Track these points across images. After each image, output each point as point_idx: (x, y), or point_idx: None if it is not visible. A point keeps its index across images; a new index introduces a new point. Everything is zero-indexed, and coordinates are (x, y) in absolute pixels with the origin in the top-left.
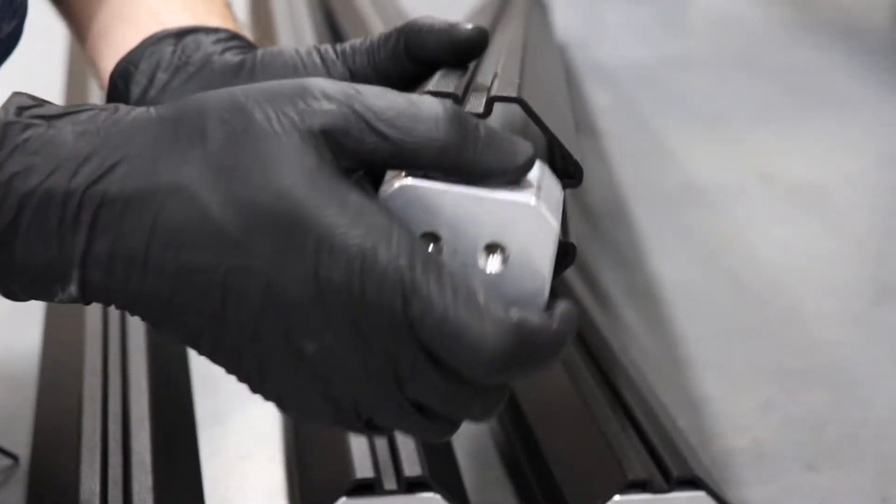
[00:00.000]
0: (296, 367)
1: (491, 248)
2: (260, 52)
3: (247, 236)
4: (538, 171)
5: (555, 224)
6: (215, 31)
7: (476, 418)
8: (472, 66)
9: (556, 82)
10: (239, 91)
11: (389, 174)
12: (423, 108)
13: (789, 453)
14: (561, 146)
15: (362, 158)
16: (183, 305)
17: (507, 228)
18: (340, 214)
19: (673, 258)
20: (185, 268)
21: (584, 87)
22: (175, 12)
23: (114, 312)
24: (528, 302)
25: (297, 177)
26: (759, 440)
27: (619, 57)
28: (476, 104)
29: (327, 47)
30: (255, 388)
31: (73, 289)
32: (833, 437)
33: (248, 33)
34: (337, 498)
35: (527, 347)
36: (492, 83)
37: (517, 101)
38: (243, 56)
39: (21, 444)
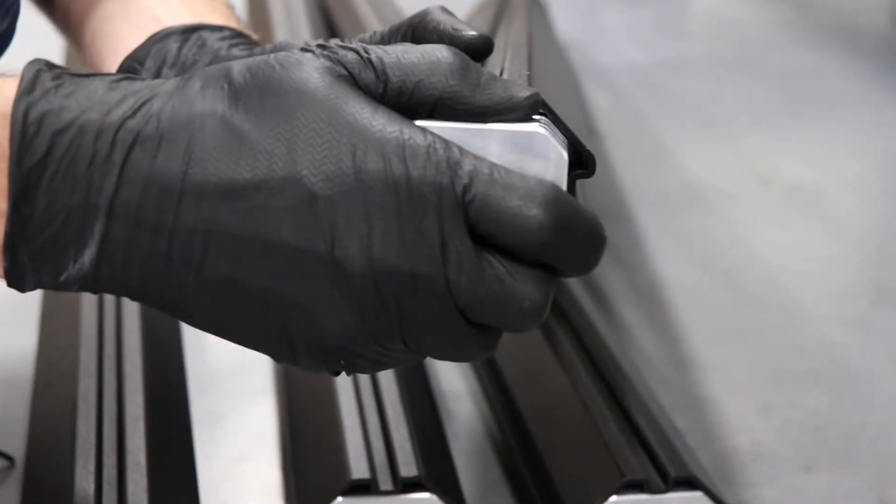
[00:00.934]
0: (342, 295)
1: None
2: (269, 46)
3: (285, 148)
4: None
5: (564, 151)
6: (220, 28)
7: (522, 315)
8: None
9: (561, 75)
10: (258, 54)
11: None
12: (427, 53)
13: (787, 455)
14: (574, 136)
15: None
16: (219, 241)
17: (518, 159)
18: (374, 115)
19: (672, 260)
20: (225, 189)
21: (583, 88)
22: (177, 14)
23: (109, 312)
24: None
25: (327, 90)
26: (757, 441)
27: (618, 59)
28: None
29: (337, 41)
30: (295, 341)
31: (88, 255)
32: (831, 438)
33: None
34: (333, 498)
35: (570, 211)
36: (500, 76)
37: (534, 95)
38: (250, 51)
39: (16, 445)
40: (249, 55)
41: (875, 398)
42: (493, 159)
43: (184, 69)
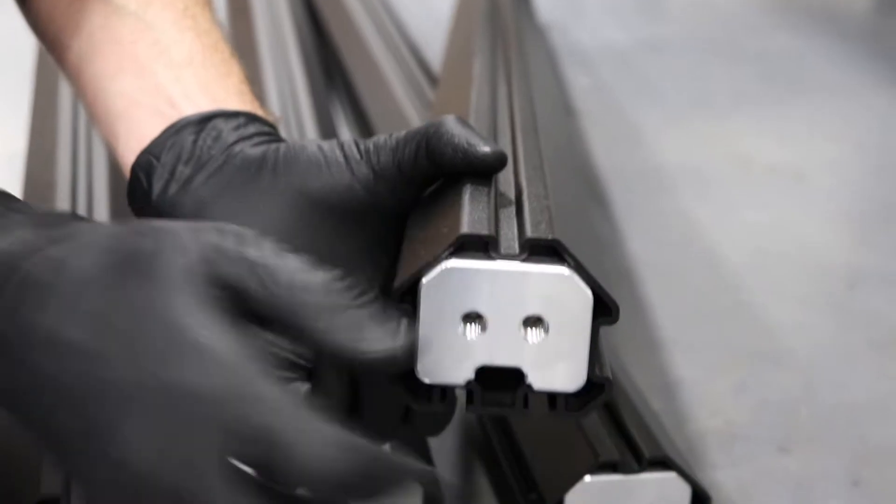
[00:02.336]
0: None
1: (531, 321)
2: (282, 147)
3: (114, 343)
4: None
5: (589, 292)
6: (235, 115)
7: None
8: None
9: (542, 63)
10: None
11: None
12: (313, 280)
13: (762, 435)
14: (596, 283)
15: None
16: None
17: (545, 299)
18: (203, 326)
19: (649, 241)
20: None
21: (562, 69)
22: (192, 97)
23: None
24: (571, 369)
25: (178, 295)
26: (732, 422)
27: (598, 40)
28: (510, 243)
29: (351, 143)
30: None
31: None
32: (806, 419)
33: (261, 108)
34: None
35: (360, 469)
36: (518, 201)
37: (555, 242)
38: (265, 149)
39: None
40: (263, 154)
41: (850, 379)
42: (514, 299)
43: (199, 164)
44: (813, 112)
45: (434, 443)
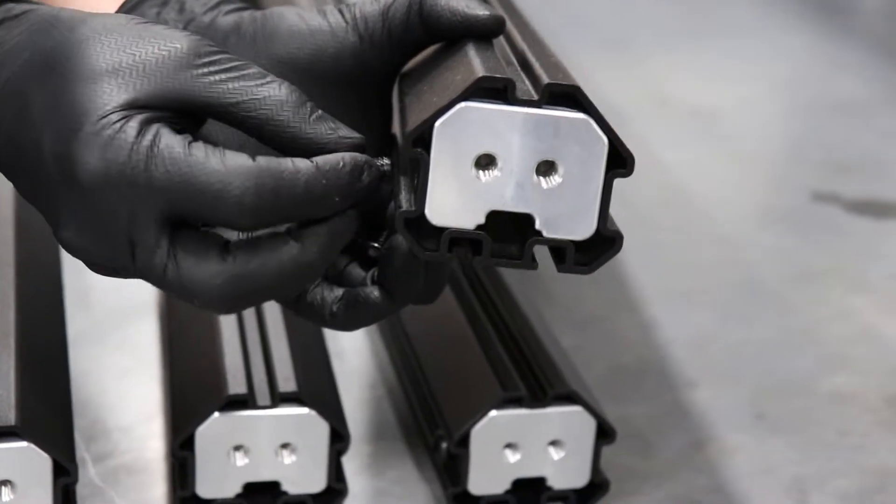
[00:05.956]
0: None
1: (545, 167)
2: (258, 15)
3: (37, 106)
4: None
5: (605, 139)
6: None
7: (201, 304)
8: None
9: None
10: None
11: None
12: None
13: (671, 371)
14: (613, 133)
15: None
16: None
17: (560, 144)
18: (108, 100)
19: None
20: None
21: None
22: None
23: None
24: (583, 214)
25: (92, 68)
26: (642, 359)
27: None
28: (524, 89)
29: (333, 10)
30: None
31: None
32: (715, 355)
33: None
34: (210, 413)
35: (275, 190)
36: (523, 61)
37: (574, 88)
38: (237, 17)
39: None
40: (237, 23)
41: (760, 316)
42: (530, 143)
43: None
44: (730, 54)
45: (342, 381)
